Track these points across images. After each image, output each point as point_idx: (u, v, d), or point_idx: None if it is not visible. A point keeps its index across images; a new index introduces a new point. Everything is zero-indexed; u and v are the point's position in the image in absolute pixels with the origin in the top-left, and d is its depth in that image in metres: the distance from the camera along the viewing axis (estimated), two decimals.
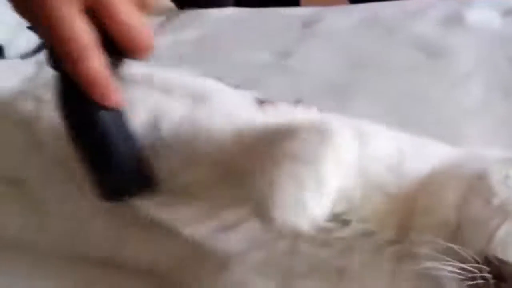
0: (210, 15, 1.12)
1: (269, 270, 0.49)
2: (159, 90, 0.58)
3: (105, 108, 0.45)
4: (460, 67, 0.87)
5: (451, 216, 0.45)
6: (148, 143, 0.53)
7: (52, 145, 0.56)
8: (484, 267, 0.41)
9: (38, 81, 0.70)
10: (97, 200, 0.50)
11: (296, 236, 0.48)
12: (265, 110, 0.57)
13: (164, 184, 0.52)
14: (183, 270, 0.53)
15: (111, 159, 0.48)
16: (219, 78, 0.63)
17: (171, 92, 0.58)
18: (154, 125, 0.54)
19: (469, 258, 0.41)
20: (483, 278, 0.41)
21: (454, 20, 0.99)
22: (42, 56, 0.83)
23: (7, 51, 0.97)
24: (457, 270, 0.41)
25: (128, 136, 0.49)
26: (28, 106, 0.59)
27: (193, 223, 0.51)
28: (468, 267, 0.41)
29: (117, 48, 0.45)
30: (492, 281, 0.41)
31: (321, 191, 0.46)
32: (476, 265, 0.41)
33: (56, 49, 0.44)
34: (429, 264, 0.42)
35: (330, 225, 0.48)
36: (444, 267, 0.41)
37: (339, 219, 0.48)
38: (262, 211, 0.46)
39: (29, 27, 0.88)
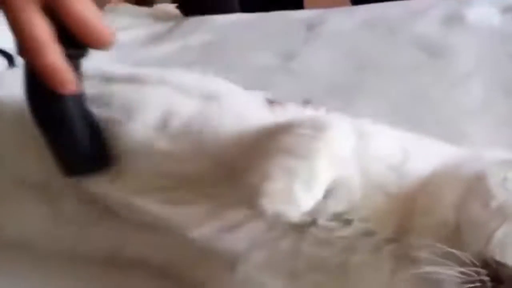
0: (216, 21, 1.14)
1: (274, 268, 0.49)
2: (170, 89, 0.59)
3: (64, 94, 0.50)
4: (461, 66, 0.87)
5: (450, 217, 0.45)
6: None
7: None
8: (482, 270, 0.41)
9: None
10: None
11: (299, 236, 0.49)
12: (274, 111, 0.58)
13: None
14: (193, 270, 0.53)
15: (70, 139, 0.53)
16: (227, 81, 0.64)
17: (182, 91, 0.59)
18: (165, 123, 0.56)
19: (468, 262, 0.42)
20: (481, 281, 0.41)
21: (455, 19, 0.99)
22: None
23: (18, 60, 0.99)
24: (456, 274, 0.41)
25: (86, 119, 0.54)
26: None
27: (198, 223, 0.51)
28: (467, 271, 0.41)
29: (76, 41, 0.49)
30: (490, 283, 0.41)
31: (312, 182, 0.46)
32: (474, 268, 0.41)
33: (19, 45, 0.49)
34: (429, 268, 0.42)
35: (332, 224, 0.48)
36: (443, 271, 0.41)
37: (340, 218, 0.48)
38: (253, 200, 0.45)
39: None
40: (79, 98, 0.53)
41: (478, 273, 0.41)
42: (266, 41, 1.03)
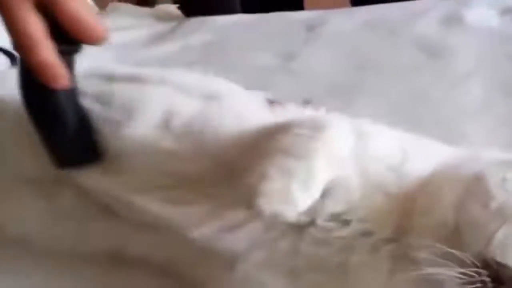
0: (217, 21, 1.14)
1: (273, 268, 0.49)
2: (171, 88, 0.59)
3: (55, 89, 0.51)
4: (460, 66, 0.87)
5: (450, 217, 0.45)
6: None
7: None
8: (483, 270, 0.41)
9: None
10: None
11: (298, 236, 0.49)
12: (275, 111, 0.58)
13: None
14: (193, 269, 0.54)
15: (61, 132, 0.55)
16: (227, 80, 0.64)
17: (183, 91, 0.59)
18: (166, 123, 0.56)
19: (468, 262, 0.41)
20: (482, 281, 0.41)
21: (454, 20, 1.00)
22: None
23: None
24: (457, 275, 0.41)
25: (78, 113, 0.55)
26: None
27: (198, 223, 0.51)
28: (467, 271, 0.41)
29: (69, 37, 0.51)
30: (490, 284, 0.41)
31: (309, 182, 0.46)
32: (475, 269, 0.41)
33: (13, 42, 0.50)
34: (429, 269, 0.42)
35: (330, 225, 0.48)
36: (444, 271, 0.41)
37: (339, 219, 0.48)
38: (251, 200, 0.46)
39: None
40: (72, 93, 0.54)
41: (479, 274, 0.41)
42: (266, 41, 1.04)
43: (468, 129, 0.74)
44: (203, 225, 0.51)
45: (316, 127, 0.49)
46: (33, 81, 0.51)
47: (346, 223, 0.48)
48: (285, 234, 0.49)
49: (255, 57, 0.97)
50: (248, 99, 0.60)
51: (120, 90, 0.59)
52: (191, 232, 0.51)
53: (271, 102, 0.60)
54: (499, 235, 0.42)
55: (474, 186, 0.46)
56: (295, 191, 0.46)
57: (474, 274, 0.41)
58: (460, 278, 0.41)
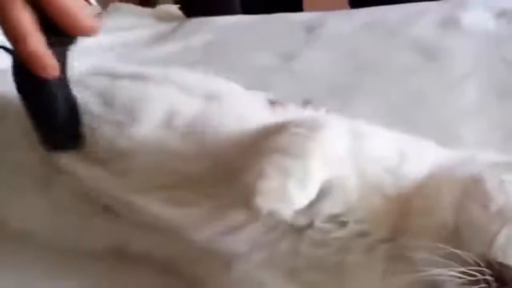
0: (217, 22, 1.15)
1: (273, 267, 0.50)
2: (173, 88, 0.60)
3: (47, 78, 0.53)
4: (457, 68, 0.88)
5: (449, 218, 0.45)
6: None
7: None
8: (487, 270, 0.41)
9: None
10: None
11: (297, 237, 0.49)
12: (275, 111, 0.58)
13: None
14: (193, 267, 0.54)
15: (51, 119, 0.57)
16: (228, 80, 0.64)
17: (184, 91, 0.60)
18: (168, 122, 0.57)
19: (471, 262, 0.42)
20: (485, 281, 0.41)
21: (451, 22, 1.00)
22: None
23: None
24: (459, 274, 0.41)
25: (69, 101, 0.57)
26: None
27: (198, 225, 0.52)
28: (470, 271, 0.41)
29: (59, 29, 0.52)
30: (494, 284, 0.41)
31: (306, 181, 0.46)
32: (479, 268, 0.41)
33: (5, 34, 0.52)
34: (429, 269, 0.42)
35: (328, 226, 0.49)
36: (445, 272, 0.42)
37: (336, 220, 0.49)
38: (248, 199, 0.46)
39: None
40: (63, 82, 0.56)
41: (482, 273, 0.41)
42: (266, 42, 1.05)
43: (463, 131, 0.74)
44: (203, 227, 0.51)
45: (312, 127, 0.49)
46: (25, 71, 0.53)
47: (343, 224, 0.49)
48: (285, 236, 0.50)
49: (256, 58, 0.98)
50: (249, 99, 0.61)
51: (123, 90, 0.60)
52: (192, 234, 0.52)
53: (272, 103, 0.60)
54: (501, 236, 0.43)
55: (472, 188, 0.46)
56: (292, 190, 0.46)
57: (478, 274, 0.41)
58: (463, 278, 0.41)
